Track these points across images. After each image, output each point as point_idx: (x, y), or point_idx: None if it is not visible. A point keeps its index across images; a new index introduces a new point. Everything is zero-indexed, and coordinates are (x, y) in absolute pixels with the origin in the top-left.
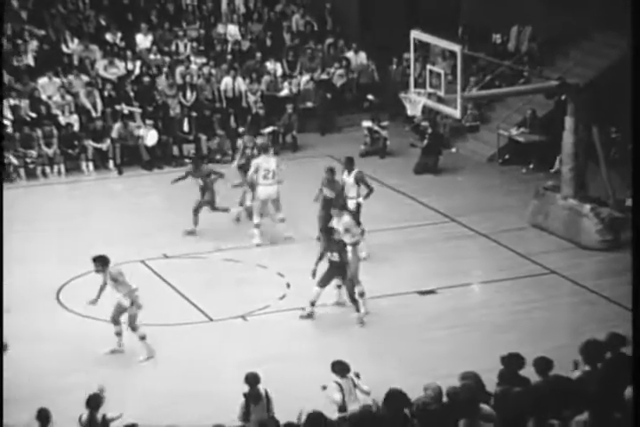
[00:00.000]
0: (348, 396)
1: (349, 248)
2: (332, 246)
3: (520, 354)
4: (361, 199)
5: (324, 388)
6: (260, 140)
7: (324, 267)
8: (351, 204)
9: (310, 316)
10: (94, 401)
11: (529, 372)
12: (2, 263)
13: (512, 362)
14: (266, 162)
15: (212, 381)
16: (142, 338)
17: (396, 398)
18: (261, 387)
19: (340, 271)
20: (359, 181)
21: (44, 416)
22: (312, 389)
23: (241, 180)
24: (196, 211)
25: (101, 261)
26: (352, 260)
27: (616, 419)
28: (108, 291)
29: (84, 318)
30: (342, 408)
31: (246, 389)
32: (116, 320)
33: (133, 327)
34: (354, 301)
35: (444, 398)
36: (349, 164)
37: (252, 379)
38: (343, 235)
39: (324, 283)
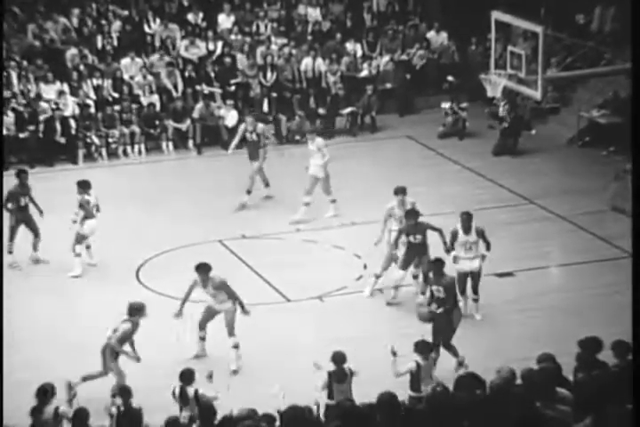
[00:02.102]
0: (425, 377)
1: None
2: (413, 229)
3: (598, 337)
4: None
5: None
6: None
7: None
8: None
9: (395, 299)
10: (187, 376)
11: (605, 355)
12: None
13: (590, 345)
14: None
15: (288, 361)
16: (235, 347)
17: (470, 380)
18: (346, 366)
19: (420, 252)
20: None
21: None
22: (384, 370)
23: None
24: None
25: (203, 270)
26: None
27: None
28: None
29: (161, 297)
30: (416, 388)
31: (332, 367)
32: (201, 325)
33: (231, 333)
34: None
35: (518, 381)
36: (469, 220)
37: (339, 358)
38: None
39: (405, 265)
